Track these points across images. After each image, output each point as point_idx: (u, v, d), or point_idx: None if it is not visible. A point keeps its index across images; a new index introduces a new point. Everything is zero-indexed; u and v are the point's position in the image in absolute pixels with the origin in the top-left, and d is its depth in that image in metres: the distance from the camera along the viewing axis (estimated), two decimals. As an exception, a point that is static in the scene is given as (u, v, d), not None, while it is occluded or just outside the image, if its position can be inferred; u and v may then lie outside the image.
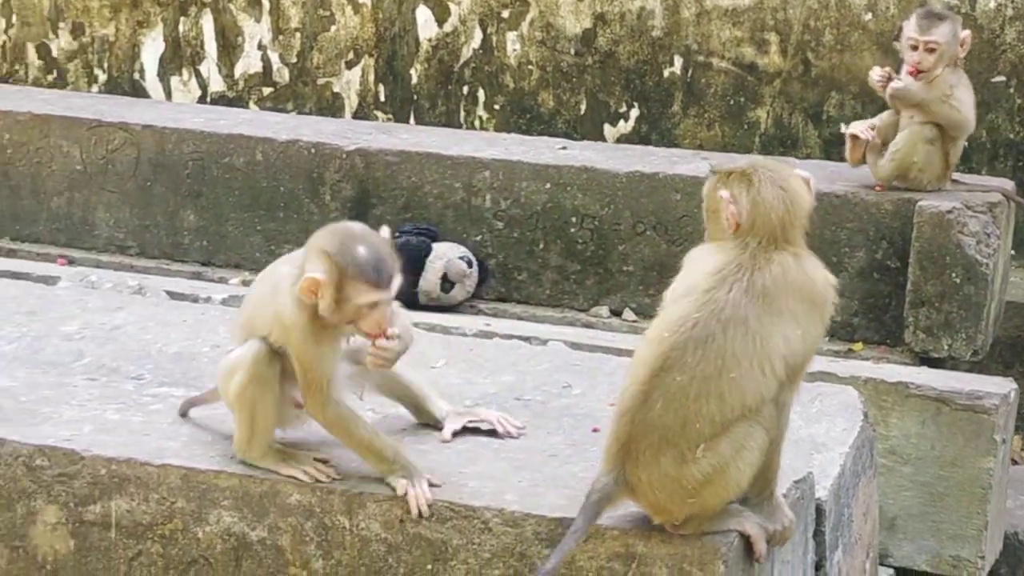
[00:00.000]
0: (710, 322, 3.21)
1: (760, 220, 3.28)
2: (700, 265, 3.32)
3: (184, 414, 3.92)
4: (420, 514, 3.47)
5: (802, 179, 3.37)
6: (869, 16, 7.54)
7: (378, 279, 3.42)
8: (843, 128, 7.30)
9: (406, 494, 3.47)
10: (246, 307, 3.72)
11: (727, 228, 3.31)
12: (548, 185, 6.53)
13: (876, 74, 6.16)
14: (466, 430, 3.88)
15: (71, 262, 6.96)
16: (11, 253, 7.07)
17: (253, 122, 7.19)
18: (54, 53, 8.65)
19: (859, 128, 6.18)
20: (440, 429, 3.83)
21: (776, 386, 3.24)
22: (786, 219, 3.29)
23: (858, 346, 6.15)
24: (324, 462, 3.62)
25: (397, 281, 3.47)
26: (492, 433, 3.84)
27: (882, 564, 4.67)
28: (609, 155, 6.76)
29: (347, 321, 3.46)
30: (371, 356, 3.52)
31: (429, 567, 3.48)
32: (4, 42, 8.71)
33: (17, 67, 8.66)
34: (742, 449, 3.23)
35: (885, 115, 6.24)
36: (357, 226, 3.52)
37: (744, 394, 3.21)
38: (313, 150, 6.82)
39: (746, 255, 3.27)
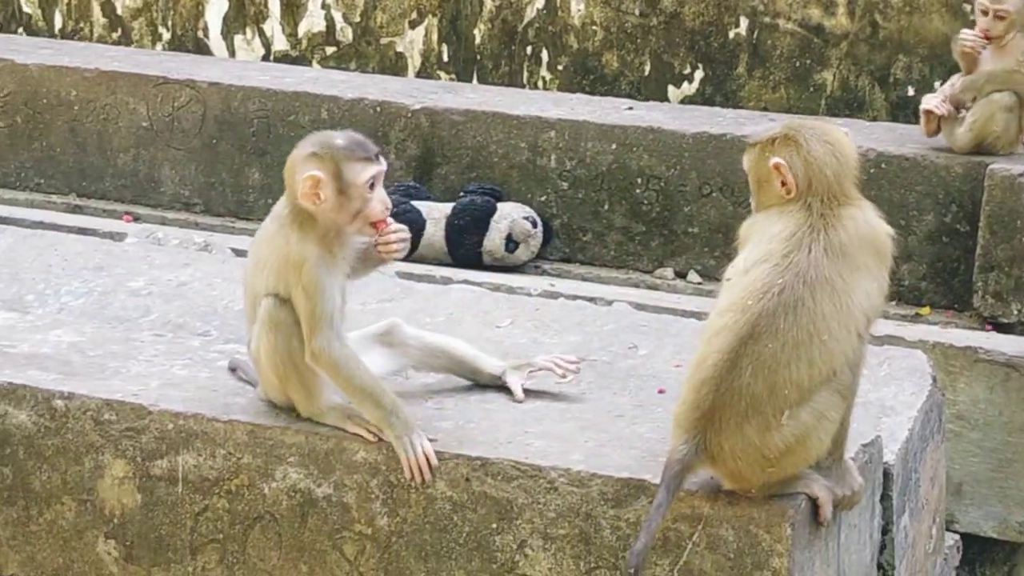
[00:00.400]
0: (797, 286, 3.19)
1: (816, 179, 3.27)
2: (768, 232, 3.29)
3: (234, 369, 3.91)
4: (423, 480, 3.47)
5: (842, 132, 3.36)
6: (939, -23, 7.46)
7: (369, 152, 3.53)
8: (910, 91, 7.24)
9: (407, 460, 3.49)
10: (247, 281, 3.71)
11: (784, 194, 3.28)
12: (614, 146, 6.50)
13: (969, 36, 6.09)
14: (532, 387, 3.87)
15: (137, 219, 7.00)
16: (77, 209, 7.12)
17: (318, 80, 7.20)
18: (119, 11, 8.67)
19: (933, 104, 6.11)
20: (502, 386, 3.80)
21: (858, 345, 3.22)
22: (840, 172, 3.29)
23: (925, 310, 6.10)
24: None
25: (383, 158, 3.56)
26: (550, 398, 3.80)
27: (948, 530, 4.62)
28: (675, 116, 6.72)
29: (353, 214, 3.50)
30: (380, 247, 3.56)
31: (494, 526, 3.48)
32: (69, 0, 8.74)
33: (82, 25, 8.69)
34: (822, 418, 3.21)
35: (956, 79, 6.17)
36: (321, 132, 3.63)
37: (832, 356, 3.20)
38: (378, 108, 6.81)
39: (814, 215, 3.25)
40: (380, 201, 3.53)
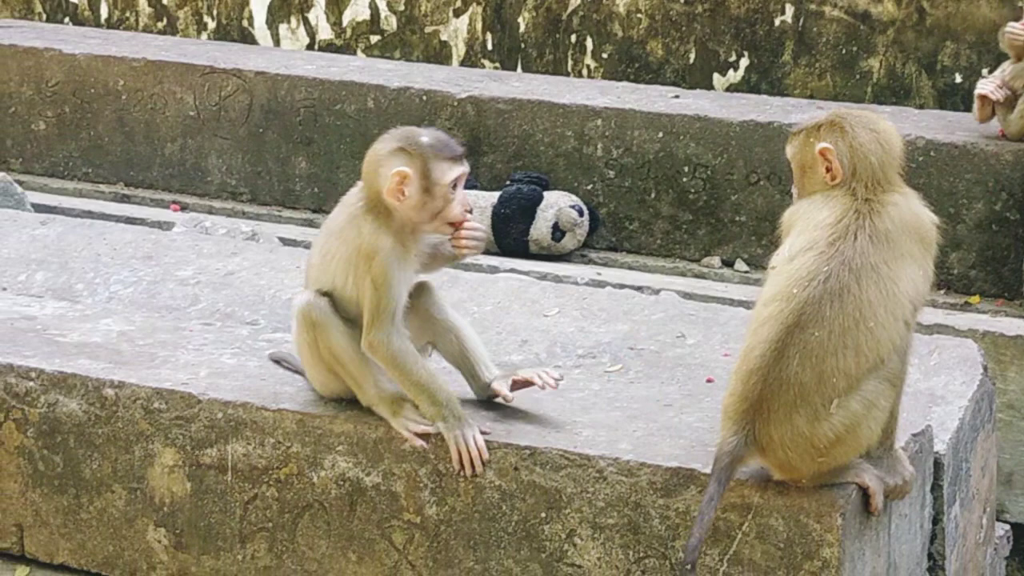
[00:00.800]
0: (842, 273, 3.17)
1: (861, 165, 3.26)
2: (813, 219, 3.27)
3: (278, 361, 3.92)
4: (474, 473, 3.47)
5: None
6: (987, -36, 7.40)
7: (456, 152, 3.51)
8: (957, 78, 7.19)
9: (458, 453, 3.48)
10: (310, 273, 3.70)
11: (829, 180, 3.27)
12: (661, 134, 6.48)
13: (1017, 28, 6.04)
14: (580, 377, 3.87)
15: (184, 208, 7.02)
16: (125, 199, 7.15)
17: (364, 69, 7.20)
18: (164, 1, 8.69)
19: (988, 88, 6.07)
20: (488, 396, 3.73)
21: (905, 332, 3.20)
22: (885, 160, 3.28)
23: (975, 299, 6.06)
24: None
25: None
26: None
27: (998, 519, 4.59)
28: (722, 104, 6.69)
29: (433, 213, 3.49)
30: (455, 244, 3.55)
31: (543, 515, 3.47)
32: (117, -11, 8.78)
33: (127, 14, 8.72)
34: (872, 407, 3.20)
35: (1007, 66, 6.12)
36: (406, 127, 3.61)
37: (879, 344, 3.18)
38: (424, 97, 6.82)
39: (859, 201, 3.24)
40: (461, 202, 3.52)
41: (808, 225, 3.27)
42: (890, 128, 3.34)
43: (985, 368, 4.14)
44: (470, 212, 3.55)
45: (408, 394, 3.55)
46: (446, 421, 3.50)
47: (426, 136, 3.52)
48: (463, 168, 3.52)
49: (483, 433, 3.50)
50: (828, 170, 3.27)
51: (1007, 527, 4.65)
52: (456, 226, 3.53)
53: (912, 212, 3.28)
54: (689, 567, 3.17)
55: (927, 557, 3.75)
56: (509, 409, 3.68)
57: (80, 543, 3.85)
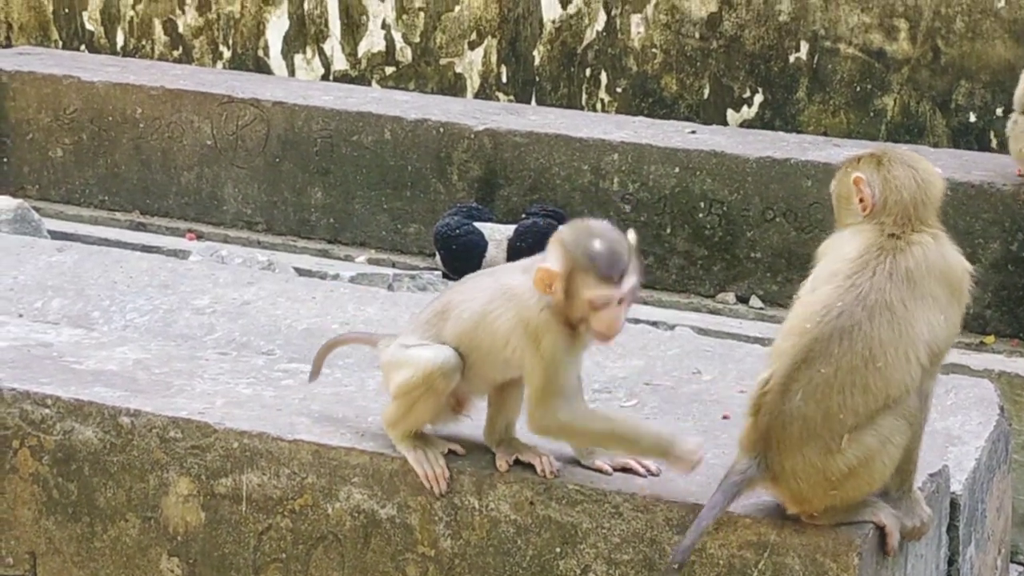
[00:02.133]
0: (855, 310, 3.16)
1: (892, 199, 3.25)
2: (839, 252, 3.27)
3: (316, 372, 3.84)
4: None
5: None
6: (1002, 3, 7.41)
7: (608, 274, 3.27)
8: (972, 117, 7.20)
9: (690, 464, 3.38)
10: (441, 307, 3.55)
11: (860, 211, 3.26)
12: (677, 169, 6.49)
13: None
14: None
15: (199, 237, 7.04)
16: (141, 227, 7.17)
17: (381, 101, 7.22)
18: (180, 29, 8.73)
19: None
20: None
21: (920, 374, 3.18)
22: (919, 198, 3.26)
23: (990, 339, 6.06)
24: (455, 452, 3.58)
25: (631, 281, 3.31)
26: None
27: (1013, 561, 4.59)
28: (739, 140, 6.70)
29: (578, 318, 3.34)
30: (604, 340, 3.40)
31: (558, 550, 3.47)
32: (132, 17, 8.81)
33: (144, 42, 8.76)
34: (887, 442, 3.18)
35: None
36: (601, 223, 3.40)
37: (889, 384, 3.16)
38: (441, 129, 6.83)
39: (884, 237, 3.22)
40: (606, 323, 3.31)
41: (834, 257, 3.27)
42: (931, 168, 3.32)
43: (1002, 408, 4.13)
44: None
45: (612, 448, 3.44)
46: (673, 446, 3.37)
47: (598, 241, 3.31)
48: (610, 291, 3.28)
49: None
50: (860, 200, 3.27)
51: (1021, 568, 4.64)
52: (599, 339, 3.38)
53: (940, 254, 3.25)
54: (676, 567, 3.15)
55: (942, 598, 3.74)
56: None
57: (93, 572, 3.84)
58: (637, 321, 5.34)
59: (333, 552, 3.64)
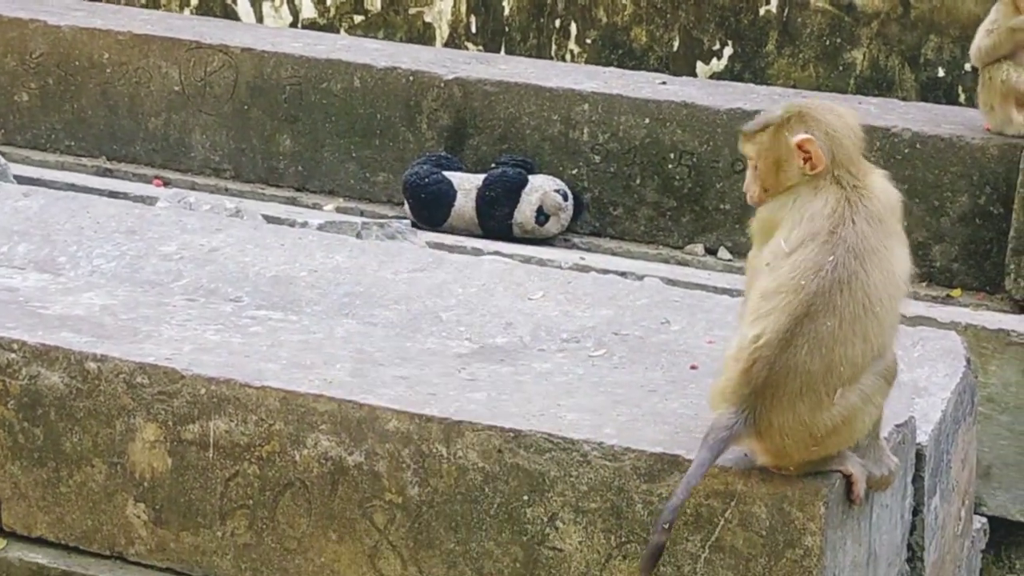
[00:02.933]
0: (850, 260, 3.17)
1: (838, 151, 3.26)
2: (806, 212, 3.26)
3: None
4: None
5: None
6: (973, -42, 7.40)
7: None
8: (940, 72, 7.21)
9: None
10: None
11: (808, 170, 3.26)
12: (647, 120, 6.48)
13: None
14: (564, 361, 3.86)
15: (167, 183, 7.00)
16: (108, 172, 7.12)
17: (351, 48, 7.18)
18: (149, -26, 8.66)
19: None
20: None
21: (899, 316, 3.23)
22: (855, 142, 3.30)
23: (956, 292, 6.07)
24: None
25: None
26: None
27: (976, 512, 4.61)
28: (709, 91, 6.69)
29: None
30: None
31: (525, 498, 3.47)
32: (102, -38, 8.73)
33: (112, -12, 8.68)
34: (868, 401, 3.21)
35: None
36: None
37: (883, 330, 3.20)
38: (411, 78, 6.80)
39: (847, 188, 3.24)
40: None
41: (801, 217, 3.25)
42: (849, 111, 3.36)
43: (968, 360, 4.15)
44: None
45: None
46: None
47: None
48: None
49: None
50: (807, 160, 3.26)
51: (984, 520, 4.67)
52: None
53: (891, 191, 3.31)
54: (666, 526, 3.16)
55: (906, 548, 3.75)
56: (493, 390, 3.68)
57: (59, 517, 3.83)
58: (606, 271, 5.34)
59: (300, 499, 3.63)
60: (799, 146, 3.25)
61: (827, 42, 7.63)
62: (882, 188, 3.29)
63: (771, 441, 3.22)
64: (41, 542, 3.85)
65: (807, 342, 3.16)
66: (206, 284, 4.42)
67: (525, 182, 6.45)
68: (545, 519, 3.45)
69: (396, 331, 4.13)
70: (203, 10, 8.47)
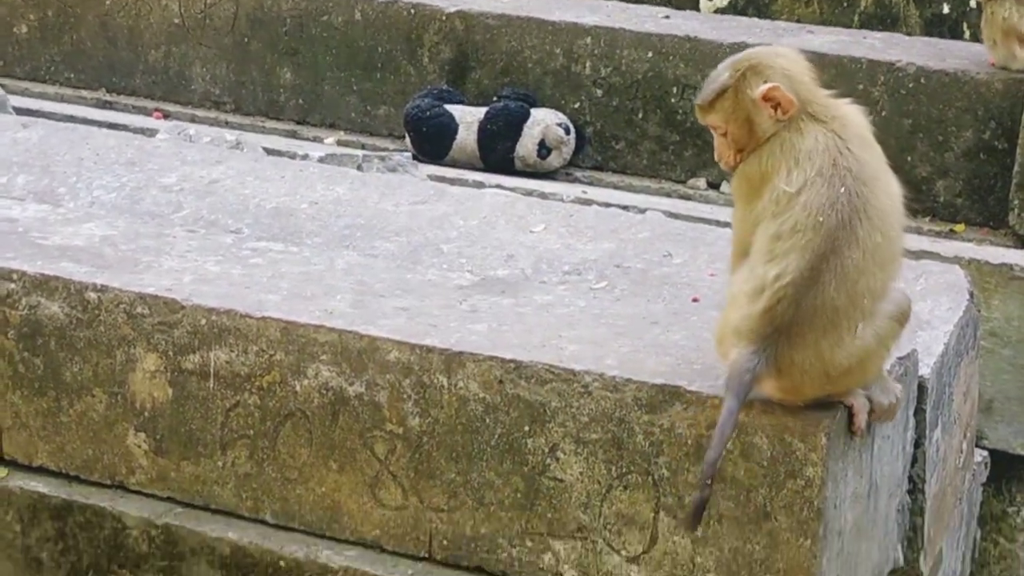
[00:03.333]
0: (860, 189, 3.15)
1: (801, 90, 3.23)
2: (797, 154, 3.22)
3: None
4: None
5: None
6: None
7: None
8: (945, 8, 7.15)
9: None
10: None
11: (781, 115, 3.22)
12: (650, 54, 6.43)
13: None
14: (565, 293, 3.85)
15: (166, 116, 6.96)
16: (107, 105, 7.08)
17: (352, -20, 7.11)
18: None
19: None
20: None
21: (903, 237, 3.24)
22: (812, 77, 3.27)
23: (960, 227, 6.05)
24: None
25: None
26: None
27: (977, 446, 4.60)
28: (713, 25, 6.64)
29: None
30: None
31: (526, 428, 3.46)
32: None
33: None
34: (882, 343, 3.21)
35: None
36: None
37: (896, 256, 3.21)
38: (413, 11, 6.75)
39: (826, 120, 3.22)
40: None
41: (796, 159, 3.22)
42: (790, 49, 3.34)
43: (971, 294, 4.13)
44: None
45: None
46: None
47: None
48: None
49: None
50: (776, 107, 3.22)
51: (985, 454, 4.67)
52: None
53: (860, 112, 3.28)
54: (708, 483, 3.14)
55: (907, 479, 3.75)
56: (494, 321, 3.67)
57: (59, 446, 3.83)
58: (608, 205, 5.33)
59: (301, 429, 3.63)
60: (765, 97, 3.21)
61: (831, -23, 7.58)
62: (855, 113, 3.27)
63: (790, 380, 3.20)
64: (42, 471, 3.85)
65: (834, 277, 3.13)
66: (206, 216, 4.40)
67: (527, 116, 6.42)
68: (546, 450, 3.45)
69: (397, 263, 4.12)
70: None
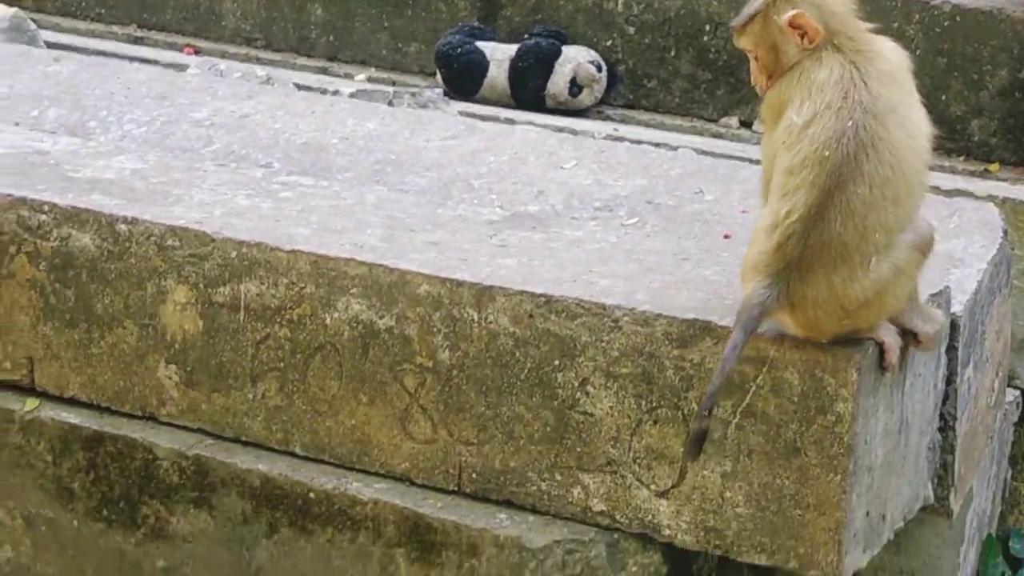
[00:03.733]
0: (869, 121, 3.12)
1: (831, 19, 3.21)
2: (812, 84, 3.20)
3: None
4: None
5: None
6: None
7: None
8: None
9: None
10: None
11: (807, 44, 3.20)
12: (682, -9, 6.39)
13: None
14: (596, 229, 3.84)
15: (198, 52, 6.94)
16: (138, 40, 7.06)
17: (384, -84, 7.07)
18: None
19: None
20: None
21: (928, 176, 3.19)
22: (848, 7, 3.25)
23: (994, 167, 6.00)
24: None
25: None
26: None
27: (1009, 385, 4.58)
28: (746, -38, 6.58)
29: None
30: None
31: (556, 362, 3.46)
32: None
33: None
34: (901, 273, 3.19)
35: None
36: None
37: (913, 191, 3.17)
38: (444, -53, 6.71)
39: (849, 52, 3.19)
40: None
41: (810, 91, 3.20)
42: None
43: (1005, 232, 4.11)
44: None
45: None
46: None
47: None
48: None
49: None
50: (803, 35, 3.20)
51: (1017, 393, 4.66)
52: None
53: (899, 51, 3.25)
54: (706, 413, 3.15)
55: (938, 417, 3.74)
56: (524, 256, 3.66)
57: (91, 377, 3.85)
58: (639, 142, 5.29)
59: (331, 362, 3.63)
60: (790, 24, 3.20)
61: (865, -82, 7.48)
62: (890, 48, 3.24)
63: (804, 314, 3.20)
64: (73, 402, 3.87)
65: (840, 213, 3.13)
66: (237, 150, 4.40)
67: (559, 53, 6.38)
68: (576, 384, 3.45)
69: (427, 198, 4.11)
70: None
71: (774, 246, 3.16)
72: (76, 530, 3.84)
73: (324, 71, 6.74)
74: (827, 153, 3.13)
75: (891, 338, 3.29)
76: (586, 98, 6.41)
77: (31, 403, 3.88)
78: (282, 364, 3.66)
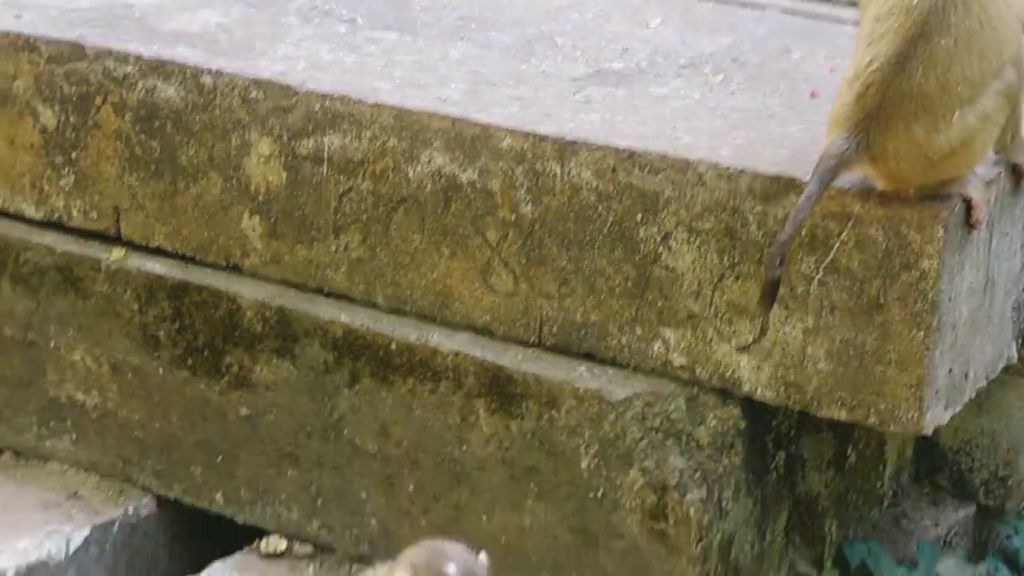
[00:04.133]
0: None
1: None
2: None
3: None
4: None
5: None
6: None
7: None
8: None
9: None
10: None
11: None
12: None
13: None
14: (681, 86, 3.81)
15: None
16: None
17: None
18: None
19: None
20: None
21: (1022, 33, 3.12)
22: None
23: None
24: None
25: None
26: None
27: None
28: None
29: None
30: None
31: (639, 217, 3.45)
32: None
33: None
34: (987, 121, 3.14)
35: None
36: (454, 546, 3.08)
37: (1002, 46, 3.12)
38: None
39: None
40: None
41: None
42: None
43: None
44: None
45: None
46: None
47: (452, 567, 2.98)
48: None
49: None
50: None
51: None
52: None
53: None
54: (778, 262, 3.13)
55: (1025, 278, 3.71)
56: (607, 112, 3.64)
57: (175, 228, 3.88)
58: (726, 1, 5.22)
59: (414, 215, 3.64)
60: None
61: None
62: None
63: (886, 165, 3.17)
64: (159, 252, 3.91)
65: (922, 63, 3.08)
66: (320, 5, 4.37)
67: (645, -86, 6.29)
68: (658, 238, 3.44)
69: (511, 54, 4.08)
70: None
71: (855, 96, 3.13)
72: (161, 378, 3.90)
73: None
74: (915, 2, 3.08)
75: (979, 194, 3.25)
76: (672, -40, 6.33)
77: (117, 252, 3.92)
78: (365, 217, 3.68)
